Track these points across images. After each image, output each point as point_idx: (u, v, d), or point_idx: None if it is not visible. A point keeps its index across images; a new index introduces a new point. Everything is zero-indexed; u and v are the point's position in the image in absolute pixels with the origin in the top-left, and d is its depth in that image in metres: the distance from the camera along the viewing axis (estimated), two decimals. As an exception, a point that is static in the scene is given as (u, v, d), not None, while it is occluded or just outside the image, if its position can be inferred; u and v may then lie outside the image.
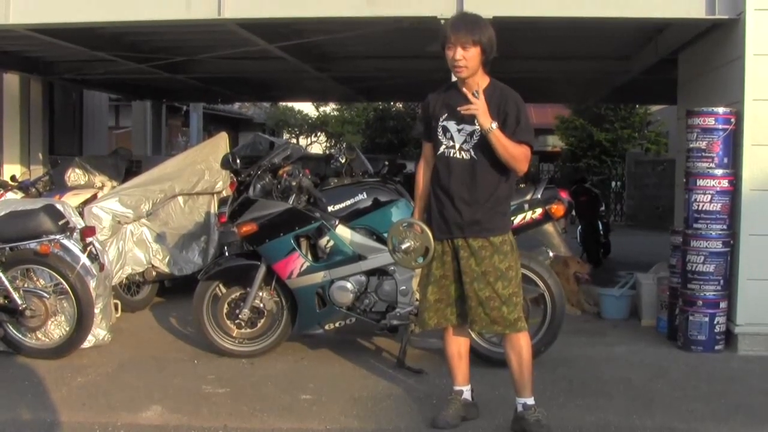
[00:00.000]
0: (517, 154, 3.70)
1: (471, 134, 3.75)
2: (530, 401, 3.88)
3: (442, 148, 3.83)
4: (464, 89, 3.72)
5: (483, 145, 3.71)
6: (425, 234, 3.84)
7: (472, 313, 3.83)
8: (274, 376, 4.89)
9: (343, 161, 6.02)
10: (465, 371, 4.07)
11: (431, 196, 3.92)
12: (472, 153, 3.75)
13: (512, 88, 3.83)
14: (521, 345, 3.87)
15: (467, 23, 3.73)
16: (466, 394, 4.06)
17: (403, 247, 3.90)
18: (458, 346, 4.04)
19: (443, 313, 3.92)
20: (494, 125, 3.62)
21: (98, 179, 7.76)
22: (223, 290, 5.37)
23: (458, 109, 3.71)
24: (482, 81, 3.77)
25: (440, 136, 3.83)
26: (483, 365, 4.87)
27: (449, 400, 4.05)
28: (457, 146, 3.78)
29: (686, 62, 7.29)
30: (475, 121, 3.70)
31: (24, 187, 7.77)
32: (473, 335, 5.00)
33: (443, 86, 4.01)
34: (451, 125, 3.79)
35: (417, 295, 5.01)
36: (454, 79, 3.87)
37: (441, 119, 3.83)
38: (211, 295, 5.34)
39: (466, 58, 3.67)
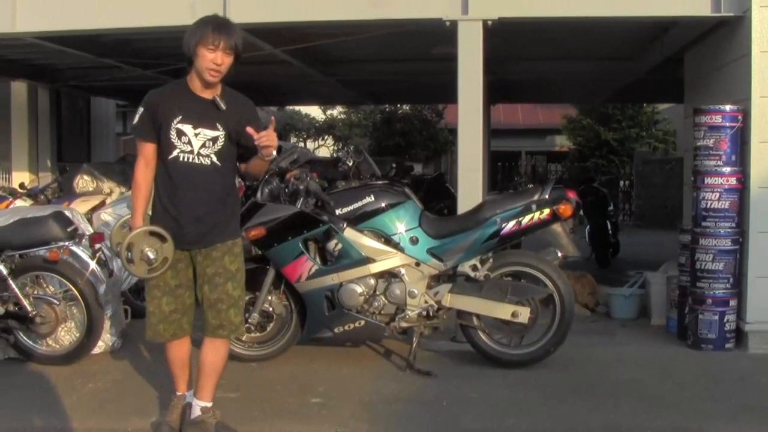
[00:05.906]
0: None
1: (213, 140, 3.62)
2: (210, 404, 3.84)
3: (176, 152, 3.62)
4: (208, 95, 3.63)
5: (224, 151, 3.65)
6: (169, 243, 3.63)
7: (203, 318, 3.78)
8: (284, 379, 4.90)
9: (350, 164, 5.99)
10: (188, 377, 4.02)
11: (160, 203, 3.71)
12: (214, 158, 3.63)
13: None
14: (227, 350, 3.89)
15: (229, 27, 3.59)
16: (189, 399, 3.97)
17: (143, 257, 3.62)
18: (184, 353, 3.96)
19: (179, 324, 3.84)
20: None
21: (106, 186, 7.78)
22: (232, 295, 5.37)
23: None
24: (218, 86, 3.67)
25: (174, 140, 3.61)
26: (491, 366, 4.86)
27: (173, 405, 3.97)
28: (196, 151, 3.61)
29: (693, 60, 7.28)
30: (218, 126, 3.63)
31: (33, 194, 7.79)
32: (481, 335, 5.02)
33: (167, 85, 3.86)
34: (188, 129, 3.60)
35: (426, 297, 5.00)
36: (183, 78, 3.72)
37: (175, 121, 3.60)
38: (219, 300, 5.34)
39: (226, 64, 3.56)
